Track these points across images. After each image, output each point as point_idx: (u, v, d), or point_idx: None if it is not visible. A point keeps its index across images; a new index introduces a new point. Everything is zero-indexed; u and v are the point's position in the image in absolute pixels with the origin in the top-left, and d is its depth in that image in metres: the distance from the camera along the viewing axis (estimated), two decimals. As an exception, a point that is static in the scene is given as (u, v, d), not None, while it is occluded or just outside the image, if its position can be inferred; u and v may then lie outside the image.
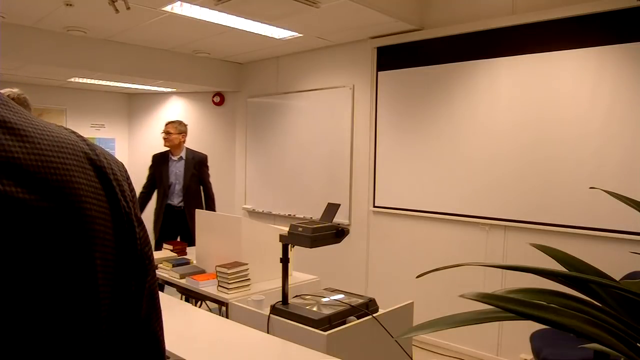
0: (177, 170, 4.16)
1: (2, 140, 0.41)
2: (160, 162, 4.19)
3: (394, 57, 4.09)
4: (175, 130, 4.12)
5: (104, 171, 0.49)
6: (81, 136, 0.51)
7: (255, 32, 4.05)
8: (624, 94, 2.93)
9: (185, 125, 4.24)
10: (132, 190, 0.55)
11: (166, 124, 4.19)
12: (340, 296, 2.31)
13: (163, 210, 4.15)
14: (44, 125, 0.46)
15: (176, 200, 4.16)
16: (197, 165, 4.21)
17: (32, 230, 0.40)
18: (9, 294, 0.39)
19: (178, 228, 4.15)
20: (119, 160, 0.56)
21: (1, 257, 0.39)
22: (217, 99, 5.76)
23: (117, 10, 2.99)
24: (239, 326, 2.03)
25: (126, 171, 0.56)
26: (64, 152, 0.45)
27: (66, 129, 0.51)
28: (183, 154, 4.18)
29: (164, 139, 4.13)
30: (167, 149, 4.23)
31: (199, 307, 2.87)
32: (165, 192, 4.14)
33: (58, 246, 0.42)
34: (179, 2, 3.32)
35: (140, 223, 0.54)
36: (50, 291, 0.41)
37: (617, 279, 1.31)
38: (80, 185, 0.45)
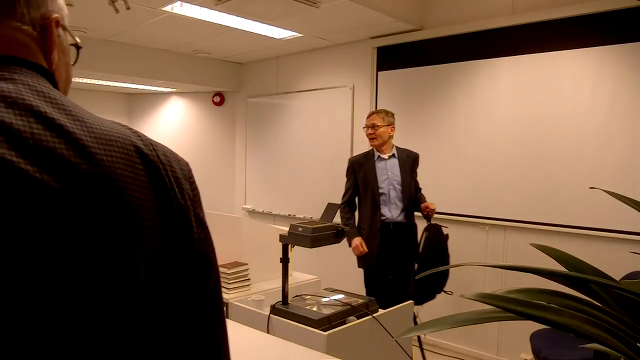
0: (390, 172, 3.15)
1: (47, 137, 0.43)
2: (363, 165, 3.20)
3: (394, 57, 4.09)
4: (383, 122, 3.15)
5: (154, 165, 0.50)
6: (137, 132, 0.52)
7: (255, 32, 4.05)
8: (624, 94, 2.93)
9: (393, 115, 3.23)
10: (194, 189, 0.55)
11: (369, 116, 3.21)
12: (340, 296, 2.30)
13: (378, 227, 3.09)
14: (92, 122, 0.48)
15: (394, 211, 3.11)
16: (413, 165, 3.25)
17: (71, 221, 0.42)
18: (53, 284, 0.40)
19: (399, 248, 3.11)
20: (182, 158, 0.57)
21: (42, 246, 0.39)
22: (217, 99, 5.77)
23: (117, 10, 2.99)
24: (239, 326, 2.03)
25: (189, 170, 0.56)
26: (110, 145, 0.47)
27: (122, 125, 0.52)
28: (394, 151, 3.23)
29: (370, 135, 3.17)
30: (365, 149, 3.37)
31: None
32: (376, 202, 3.11)
33: (101, 237, 0.43)
34: (179, 2, 3.32)
35: (202, 224, 0.54)
36: (90, 283, 0.42)
37: (617, 279, 1.31)
38: (126, 179, 0.46)
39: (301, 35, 4.16)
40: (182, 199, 0.51)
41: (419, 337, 3.20)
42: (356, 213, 3.28)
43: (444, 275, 3.08)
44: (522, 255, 3.34)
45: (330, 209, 2.31)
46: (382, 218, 3.11)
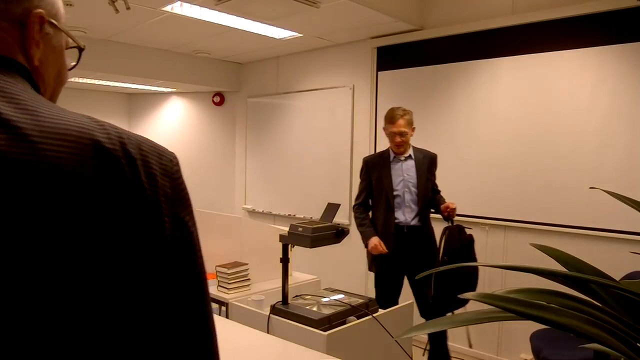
0: (406, 174, 3.03)
1: None
2: (378, 166, 3.08)
3: (394, 57, 4.09)
4: (410, 127, 2.99)
5: (115, 160, 0.48)
6: (105, 126, 0.51)
7: (255, 32, 4.05)
8: (624, 94, 2.93)
9: (412, 114, 3.07)
10: (175, 187, 0.52)
11: (396, 121, 2.95)
12: (340, 296, 2.31)
13: (392, 231, 2.99)
14: (47, 116, 0.47)
15: (408, 215, 3.00)
16: (430, 166, 3.11)
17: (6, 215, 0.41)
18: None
19: (414, 252, 3.00)
20: (170, 152, 0.54)
21: None
22: (217, 99, 5.77)
23: (117, 10, 2.99)
24: (239, 326, 2.03)
25: (173, 167, 0.53)
26: (61, 139, 0.45)
27: (91, 119, 0.50)
28: (411, 152, 3.09)
29: (398, 143, 2.98)
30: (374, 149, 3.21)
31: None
32: (390, 205, 3.00)
33: (32, 232, 0.42)
34: (179, 2, 3.32)
35: (181, 225, 0.51)
36: (22, 282, 0.41)
37: (617, 279, 1.31)
38: (71, 173, 0.44)
39: (301, 35, 4.16)
40: (154, 195, 0.49)
41: (446, 338, 3.04)
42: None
43: (472, 279, 2.86)
44: (522, 255, 3.34)
45: (330, 209, 2.30)
46: (396, 221, 2.99)
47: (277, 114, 5.14)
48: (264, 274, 2.78)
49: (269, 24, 3.83)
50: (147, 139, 0.53)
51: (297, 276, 2.95)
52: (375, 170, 3.07)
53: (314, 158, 4.75)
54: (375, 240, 2.94)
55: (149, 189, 0.49)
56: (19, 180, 0.42)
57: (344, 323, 2.02)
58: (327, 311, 2.08)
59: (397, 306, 2.28)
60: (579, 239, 3.11)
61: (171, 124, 6.05)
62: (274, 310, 2.13)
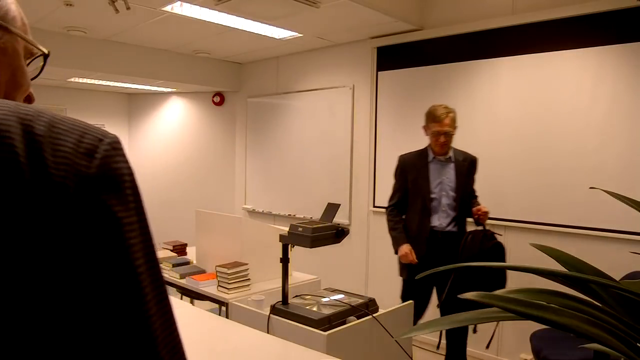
0: (445, 177, 2.88)
1: None
2: (415, 166, 2.92)
3: (394, 57, 4.09)
4: (454, 126, 2.86)
5: (5, 138, 0.42)
6: (8, 103, 0.47)
7: (255, 32, 4.05)
8: (623, 94, 2.93)
9: (456, 112, 2.92)
10: (100, 166, 0.46)
11: (441, 120, 2.80)
12: (340, 296, 2.31)
13: (426, 235, 2.84)
14: None
15: (443, 219, 2.85)
16: (470, 170, 2.96)
17: None
18: None
19: (447, 259, 2.71)
20: (107, 134, 0.48)
21: None
22: (217, 99, 5.77)
23: (117, 10, 3.00)
24: (239, 326, 2.02)
25: (101, 145, 0.47)
26: None
27: (4, 102, 0.47)
28: (451, 153, 2.93)
29: (443, 144, 2.85)
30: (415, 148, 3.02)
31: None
32: (426, 208, 2.85)
33: None
34: (179, 2, 3.32)
35: (99, 208, 0.45)
36: None
37: (617, 279, 1.31)
38: None
39: (301, 35, 4.16)
40: (62, 175, 0.43)
41: (465, 340, 2.94)
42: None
43: (496, 282, 2.68)
44: (522, 255, 3.34)
45: (330, 209, 2.30)
46: (431, 226, 2.85)
47: (277, 114, 5.14)
48: (264, 274, 2.78)
49: (269, 24, 3.83)
50: (75, 119, 0.48)
51: (297, 276, 2.96)
52: (412, 171, 2.92)
53: (314, 158, 4.75)
54: (406, 248, 2.82)
55: (53, 167, 0.43)
56: None
57: (344, 323, 2.02)
58: (327, 311, 2.08)
59: (397, 306, 2.28)
60: (579, 239, 3.11)
61: (171, 124, 6.05)
62: (274, 310, 2.13)
